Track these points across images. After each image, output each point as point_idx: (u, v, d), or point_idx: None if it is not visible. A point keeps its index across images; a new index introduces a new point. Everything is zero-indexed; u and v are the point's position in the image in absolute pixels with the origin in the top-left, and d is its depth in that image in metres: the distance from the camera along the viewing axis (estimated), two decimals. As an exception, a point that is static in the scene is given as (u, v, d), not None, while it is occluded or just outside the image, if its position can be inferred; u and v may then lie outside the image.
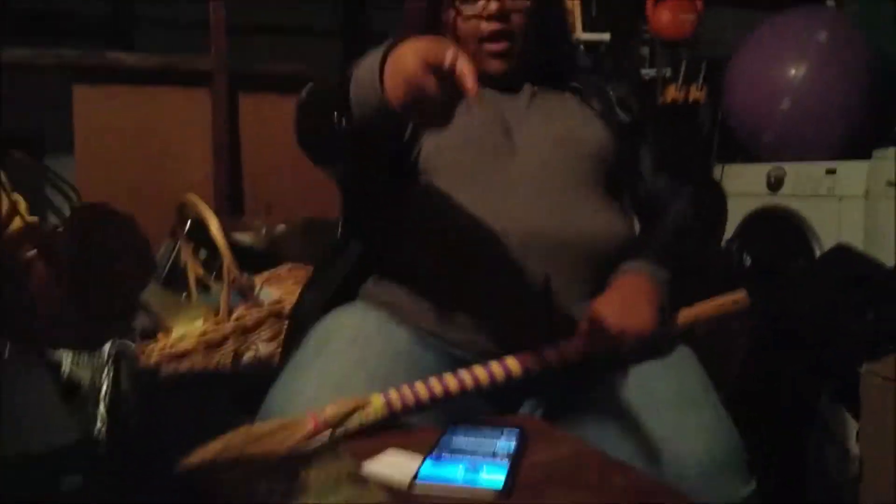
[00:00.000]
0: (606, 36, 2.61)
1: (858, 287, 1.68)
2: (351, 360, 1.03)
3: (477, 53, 1.13)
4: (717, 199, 1.29)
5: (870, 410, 1.44)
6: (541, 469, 0.83)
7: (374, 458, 0.83)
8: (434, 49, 0.82)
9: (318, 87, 1.08)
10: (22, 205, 0.97)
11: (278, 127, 2.11)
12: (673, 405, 1.01)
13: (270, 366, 1.36)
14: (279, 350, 1.37)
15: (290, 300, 1.49)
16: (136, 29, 2.72)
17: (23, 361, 0.99)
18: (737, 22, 2.69)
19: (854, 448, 1.58)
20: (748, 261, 2.17)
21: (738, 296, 1.15)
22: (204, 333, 1.45)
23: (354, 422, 0.91)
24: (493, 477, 0.79)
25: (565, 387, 1.08)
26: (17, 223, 0.93)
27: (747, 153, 2.51)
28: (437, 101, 0.82)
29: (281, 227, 2.09)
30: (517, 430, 0.91)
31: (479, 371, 0.99)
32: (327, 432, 0.89)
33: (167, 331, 1.44)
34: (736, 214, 2.35)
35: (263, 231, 2.05)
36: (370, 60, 0.89)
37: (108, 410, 1.14)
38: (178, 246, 1.67)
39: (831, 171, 2.18)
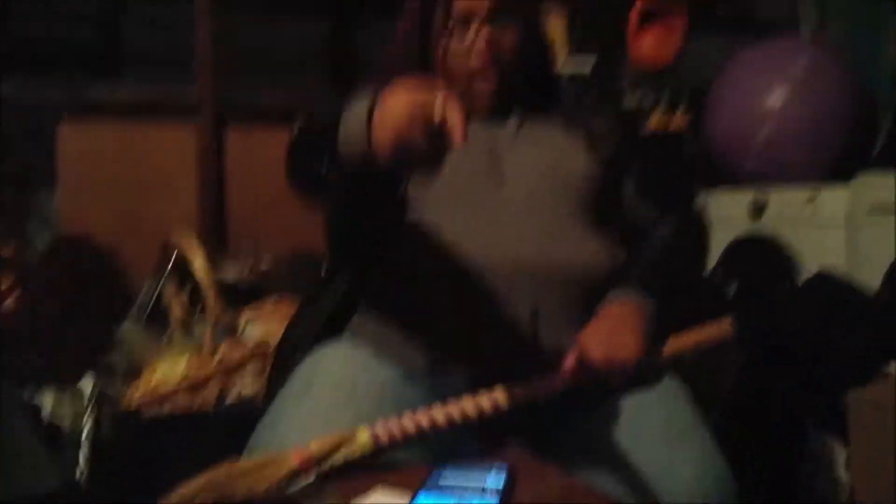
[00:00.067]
0: (590, 65, 2.62)
1: (843, 309, 1.69)
2: (337, 401, 1.01)
3: (466, 89, 1.13)
4: (699, 227, 1.30)
5: (858, 436, 1.44)
6: (530, 505, 0.82)
7: (362, 497, 0.82)
8: (423, 102, 0.81)
9: (307, 129, 1.08)
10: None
11: (265, 160, 2.10)
12: (662, 439, 1.01)
13: (255, 405, 1.34)
14: (264, 388, 1.36)
15: (274, 337, 1.47)
16: (123, 59, 2.71)
17: (5, 406, 0.97)
18: (721, 49, 2.72)
19: (843, 474, 1.57)
20: (734, 288, 2.17)
21: (724, 324, 1.15)
22: (186, 376, 1.43)
23: (340, 456, 0.90)
24: (482, 514, 0.78)
25: (554, 419, 1.07)
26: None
27: (731, 180, 2.53)
28: (425, 154, 0.82)
29: (266, 262, 2.08)
30: (505, 465, 0.90)
31: (467, 403, 0.98)
32: (313, 468, 0.88)
33: (149, 372, 1.43)
34: (721, 241, 2.35)
35: (249, 267, 2.04)
36: (358, 109, 0.89)
37: (90, 454, 1.13)
38: (160, 285, 1.66)
39: (812, 199, 2.20)
